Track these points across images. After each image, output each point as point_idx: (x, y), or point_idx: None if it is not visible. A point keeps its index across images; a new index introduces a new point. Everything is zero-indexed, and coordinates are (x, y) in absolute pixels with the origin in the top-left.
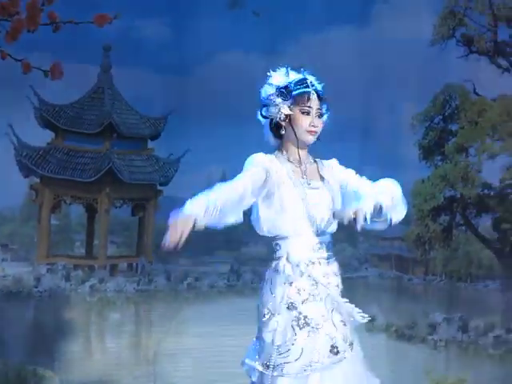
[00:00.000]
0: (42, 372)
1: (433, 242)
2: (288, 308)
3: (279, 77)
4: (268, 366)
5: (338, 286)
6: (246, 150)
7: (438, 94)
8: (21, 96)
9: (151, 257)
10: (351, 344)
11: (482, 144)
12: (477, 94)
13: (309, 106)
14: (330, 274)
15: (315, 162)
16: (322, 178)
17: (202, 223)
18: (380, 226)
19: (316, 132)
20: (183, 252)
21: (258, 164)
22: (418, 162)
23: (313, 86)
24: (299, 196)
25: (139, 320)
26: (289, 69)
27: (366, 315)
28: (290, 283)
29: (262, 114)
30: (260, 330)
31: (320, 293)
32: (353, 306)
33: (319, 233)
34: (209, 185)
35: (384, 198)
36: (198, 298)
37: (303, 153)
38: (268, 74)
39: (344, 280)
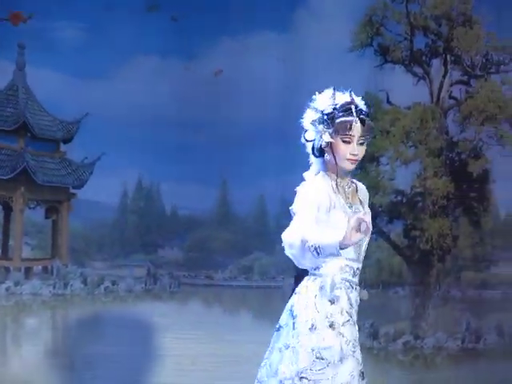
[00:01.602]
0: None
1: None
2: (330, 326)
3: (324, 100)
4: (301, 378)
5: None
6: (163, 155)
7: None
8: None
9: (66, 259)
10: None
11: (395, 152)
12: (390, 103)
13: (350, 135)
14: (357, 301)
15: (353, 183)
16: (360, 201)
17: None
18: None
19: (356, 160)
20: (98, 255)
21: (313, 200)
22: None
23: (358, 112)
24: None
25: (56, 325)
26: (335, 91)
27: None
28: (334, 302)
29: (305, 138)
30: (297, 341)
31: (353, 317)
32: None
33: (360, 258)
34: (124, 188)
35: None
36: (115, 302)
37: (343, 176)
38: (313, 96)
39: (261, 289)
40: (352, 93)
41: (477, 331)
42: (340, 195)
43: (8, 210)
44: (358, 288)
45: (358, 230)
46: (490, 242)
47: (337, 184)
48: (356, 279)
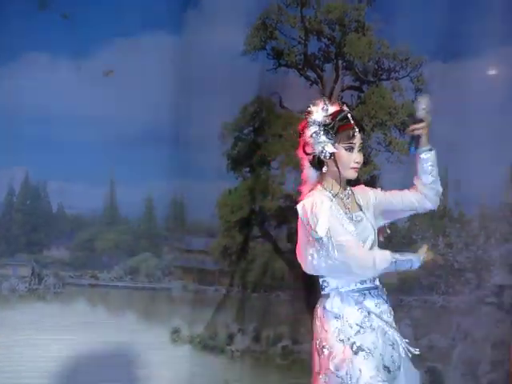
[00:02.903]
0: None
1: (239, 253)
2: (341, 341)
3: (319, 112)
4: None
5: (390, 312)
6: (50, 153)
7: (247, 105)
8: None
9: None
10: (399, 367)
11: (286, 156)
12: (283, 107)
13: (353, 143)
14: (380, 303)
15: (351, 191)
16: (360, 208)
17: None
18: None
19: (358, 167)
20: None
21: (322, 214)
22: (226, 173)
23: (353, 119)
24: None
25: None
26: (326, 102)
27: (415, 349)
28: (341, 317)
29: (304, 151)
30: (322, 366)
31: (372, 324)
32: (400, 337)
33: None
34: (10, 185)
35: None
36: None
37: (344, 185)
38: (308, 108)
39: (147, 291)
40: (342, 104)
41: None
42: (339, 206)
43: None
44: (378, 289)
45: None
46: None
47: (336, 195)
48: (370, 283)
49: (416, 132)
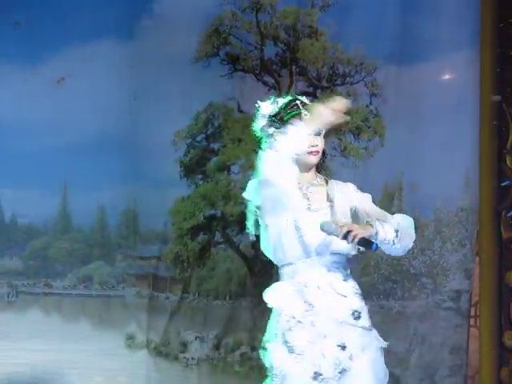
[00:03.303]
0: None
1: (191, 260)
2: (276, 335)
3: (268, 106)
4: None
5: (349, 308)
6: (2, 162)
7: (200, 112)
8: None
9: None
10: (343, 371)
11: (247, 160)
12: (241, 111)
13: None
14: (334, 297)
15: (326, 182)
16: (328, 199)
17: None
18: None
19: (317, 151)
20: None
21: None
22: (179, 180)
23: (304, 105)
24: (292, 221)
25: None
26: (275, 96)
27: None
28: (281, 311)
29: (259, 147)
30: None
31: (314, 319)
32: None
33: (315, 256)
34: None
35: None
36: None
37: (308, 175)
38: (256, 104)
39: (101, 298)
40: (294, 94)
41: None
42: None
43: None
44: (332, 283)
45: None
46: None
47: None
48: (319, 276)
49: (357, 237)
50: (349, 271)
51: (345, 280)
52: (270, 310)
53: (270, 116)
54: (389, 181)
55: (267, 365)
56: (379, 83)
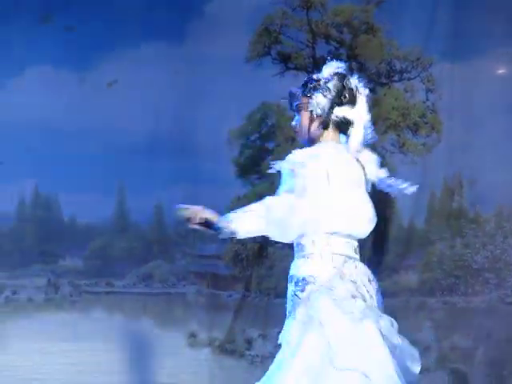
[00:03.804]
0: None
1: (250, 258)
2: None
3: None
4: None
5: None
6: (59, 165)
7: (253, 112)
8: None
9: None
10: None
11: None
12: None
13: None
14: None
15: None
16: None
17: None
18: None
19: (296, 132)
20: None
21: None
22: (235, 180)
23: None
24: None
25: None
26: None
27: None
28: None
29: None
30: None
31: None
32: None
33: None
34: (21, 197)
35: None
36: (16, 312)
37: None
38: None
39: (162, 296)
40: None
41: None
42: None
43: None
44: None
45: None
46: (394, 250)
47: None
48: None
49: None
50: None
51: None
52: None
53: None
54: (448, 177)
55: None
56: (435, 78)
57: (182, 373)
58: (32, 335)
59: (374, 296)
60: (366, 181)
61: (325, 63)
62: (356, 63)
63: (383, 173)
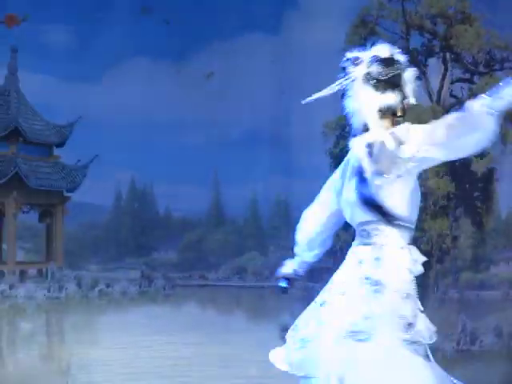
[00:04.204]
0: None
1: (344, 251)
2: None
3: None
4: None
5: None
6: (154, 158)
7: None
8: None
9: (61, 263)
10: None
11: None
12: None
13: None
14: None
15: None
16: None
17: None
18: None
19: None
20: (92, 258)
21: None
22: (329, 171)
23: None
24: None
25: (51, 329)
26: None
27: None
28: None
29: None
30: None
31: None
32: None
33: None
34: (117, 190)
35: None
36: (110, 305)
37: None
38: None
39: (255, 289)
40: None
41: (473, 333)
42: None
43: (0, 214)
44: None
45: None
46: (492, 241)
47: None
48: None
49: None
50: None
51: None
52: (426, 301)
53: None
54: None
55: None
56: None
57: (274, 366)
58: (126, 328)
59: None
60: None
61: (418, 56)
62: (451, 53)
63: None
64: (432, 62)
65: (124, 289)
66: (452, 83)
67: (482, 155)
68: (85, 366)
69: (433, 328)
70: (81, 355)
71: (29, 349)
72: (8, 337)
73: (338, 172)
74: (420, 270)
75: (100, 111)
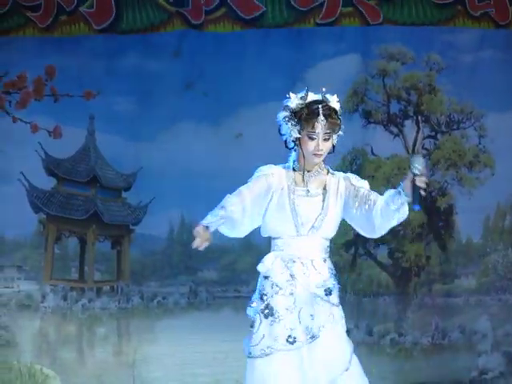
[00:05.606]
0: (47, 371)
1: (347, 267)
2: (261, 298)
3: (296, 100)
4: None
5: (322, 285)
6: (198, 199)
7: (345, 155)
8: (30, 151)
9: (128, 280)
10: (313, 337)
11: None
12: (374, 154)
13: (314, 132)
14: (311, 274)
15: (329, 173)
16: (324, 188)
17: (213, 229)
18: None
19: (321, 155)
20: (152, 277)
21: (260, 175)
22: None
23: (325, 110)
24: (289, 201)
25: (120, 332)
26: (307, 91)
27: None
28: (267, 277)
29: (279, 131)
30: None
31: (294, 289)
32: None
33: (304, 235)
34: (170, 225)
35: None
36: (165, 313)
37: (312, 166)
38: (287, 96)
39: None
40: (324, 94)
41: (443, 330)
42: (294, 179)
43: (83, 243)
44: (313, 261)
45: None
46: (455, 260)
47: (295, 170)
48: (305, 254)
49: (421, 186)
50: (328, 254)
51: (324, 260)
52: (408, 306)
53: (292, 111)
54: (501, 202)
55: (251, 319)
56: (486, 127)
57: None
58: (177, 331)
59: None
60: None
61: (396, 119)
62: (421, 116)
63: None
64: (408, 123)
65: (176, 300)
66: (424, 139)
67: (443, 194)
68: (146, 359)
69: None
70: (143, 352)
71: (103, 348)
72: (87, 339)
73: None
74: None
75: (156, 163)
